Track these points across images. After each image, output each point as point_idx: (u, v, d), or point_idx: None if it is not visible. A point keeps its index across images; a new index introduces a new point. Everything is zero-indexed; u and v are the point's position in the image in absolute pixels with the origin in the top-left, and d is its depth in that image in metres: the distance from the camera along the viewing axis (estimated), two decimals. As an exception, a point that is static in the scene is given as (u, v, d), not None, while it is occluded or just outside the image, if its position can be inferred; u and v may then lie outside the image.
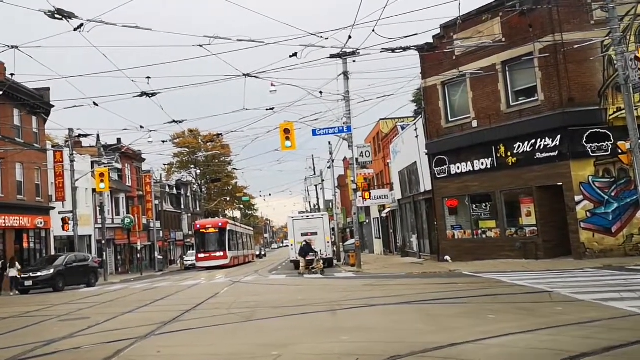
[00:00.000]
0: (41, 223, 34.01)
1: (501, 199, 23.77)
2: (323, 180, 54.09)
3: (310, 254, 26.73)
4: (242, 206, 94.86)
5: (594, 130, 20.91)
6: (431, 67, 25.77)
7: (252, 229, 71.36)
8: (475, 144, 24.13)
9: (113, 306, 15.90)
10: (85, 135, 36.85)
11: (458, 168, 25.18)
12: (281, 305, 12.95)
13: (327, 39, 25.91)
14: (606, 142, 20.84)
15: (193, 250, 52.28)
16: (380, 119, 43.18)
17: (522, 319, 8.96)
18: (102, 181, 31.78)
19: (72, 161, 34.91)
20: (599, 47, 20.30)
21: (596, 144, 20.95)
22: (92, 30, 39.09)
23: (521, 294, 12.32)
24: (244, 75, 20.88)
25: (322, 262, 26.36)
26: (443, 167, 25.85)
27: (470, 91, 24.37)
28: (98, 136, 37.77)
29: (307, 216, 37.61)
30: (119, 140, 48.52)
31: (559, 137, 21.30)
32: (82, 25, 15.04)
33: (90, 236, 42.59)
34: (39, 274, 26.23)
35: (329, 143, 41.74)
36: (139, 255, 50.97)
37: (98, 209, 39.55)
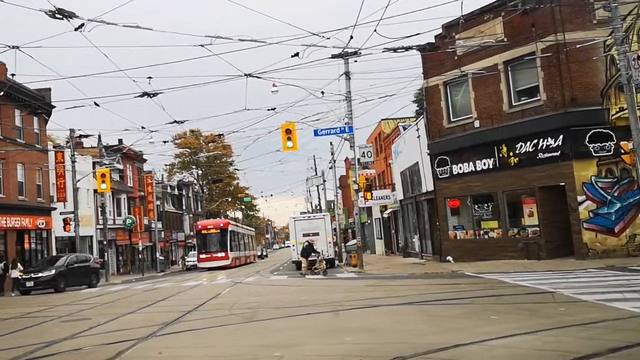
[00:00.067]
0: (42, 224, 34.02)
1: (503, 199, 23.72)
2: (325, 181, 54.07)
3: (313, 254, 26.65)
4: (243, 207, 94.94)
5: (597, 130, 20.86)
6: (433, 67, 25.71)
7: (253, 229, 71.40)
8: (477, 144, 24.08)
9: (114, 307, 15.89)
10: (87, 136, 36.97)
11: (460, 168, 25.12)
12: (283, 306, 12.91)
13: (328, 38, 25.81)
14: (609, 142, 20.80)
15: (194, 250, 52.22)
16: (382, 119, 43.11)
17: (525, 320, 8.91)
18: (103, 182, 31.81)
19: (73, 162, 34.89)
20: (601, 46, 20.22)
21: (599, 144, 20.89)
22: (93, 30, 39.12)
23: (524, 294, 12.27)
24: (245, 75, 20.83)
25: (324, 262, 26.29)
26: (445, 168, 25.80)
27: (472, 91, 24.32)
28: (99, 137, 37.72)
29: (309, 217, 37.57)
30: (120, 140, 48.53)
31: (561, 137, 21.25)
32: (82, 25, 15.03)
33: (91, 237, 42.65)
34: (40, 274, 26.21)
35: (331, 143, 41.78)
36: (140, 256, 50.95)
37: (99, 209, 39.51)
